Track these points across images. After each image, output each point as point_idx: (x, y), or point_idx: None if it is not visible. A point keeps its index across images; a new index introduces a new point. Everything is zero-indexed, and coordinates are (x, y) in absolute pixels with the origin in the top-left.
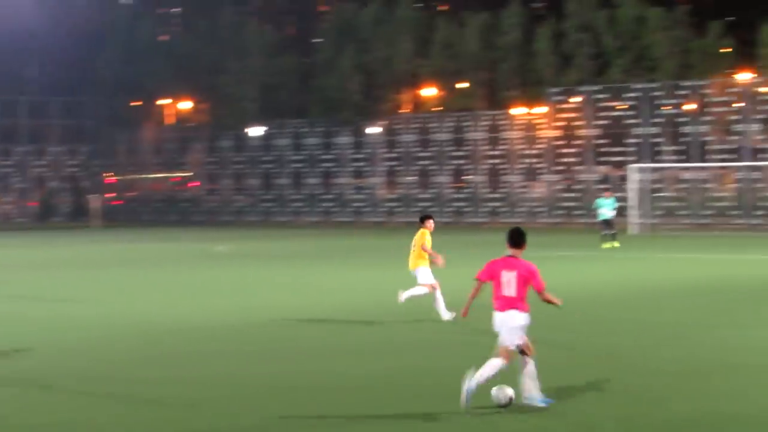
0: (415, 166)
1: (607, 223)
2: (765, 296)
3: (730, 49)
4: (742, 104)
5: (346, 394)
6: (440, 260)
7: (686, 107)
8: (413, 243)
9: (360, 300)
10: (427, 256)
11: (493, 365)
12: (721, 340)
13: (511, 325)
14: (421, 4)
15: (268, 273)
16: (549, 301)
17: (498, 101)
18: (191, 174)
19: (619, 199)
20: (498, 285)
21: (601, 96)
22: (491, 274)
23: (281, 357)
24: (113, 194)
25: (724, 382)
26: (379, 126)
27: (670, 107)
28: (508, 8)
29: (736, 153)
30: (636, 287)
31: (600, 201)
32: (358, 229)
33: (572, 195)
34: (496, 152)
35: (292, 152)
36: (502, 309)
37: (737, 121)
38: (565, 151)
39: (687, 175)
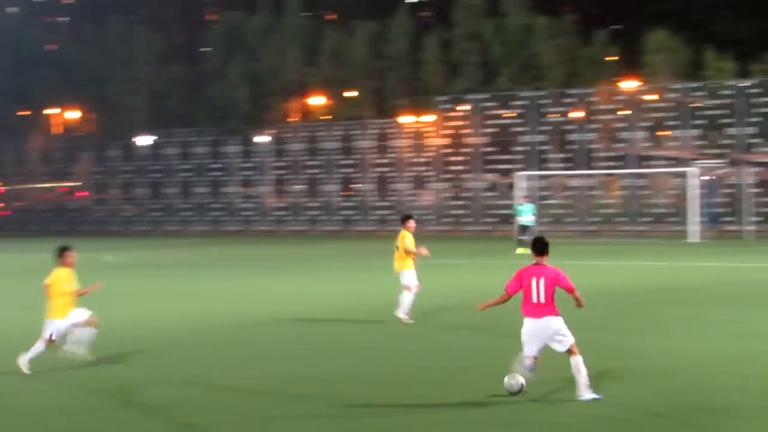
0: (303, 174)
1: (525, 229)
2: (651, 302)
3: (616, 58)
4: (628, 112)
5: (243, 399)
6: (424, 251)
7: (573, 115)
8: (396, 245)
9: (250, 309)
10: (410, 258)
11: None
12: (612, 345)
13: (551, 332)
14: (310, 13)
15: (156, 282)
16: (577, 300)
17: (386, 110)
18: (79, 184)
19: (507, 207)
20: (528, 292)
21: (488, 104)
22: (520, 284)
23: (166, 365)
24: (0, 204)
25: (613, 387)
26: (268, 135)
27: (557, 115)
28: (396, 17)
29: (622, 160)
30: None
31: (518, 207)
32: (247, 238)
33: (460, 203)
34: (385, 160)
35: (180, 161)
36: (536, 316)
37: (623, 129)
38: (453, 159)
39: (574, 183)
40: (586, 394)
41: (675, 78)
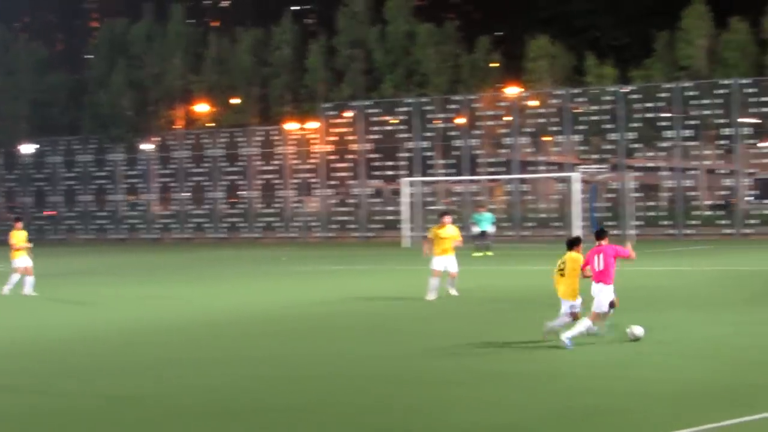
0: (188, 182)
1: (483, 235)
2: (535, 306)
3: (498, 64)
4: (511, 118)
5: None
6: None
7: (457, 121)
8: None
9: (129, 316)
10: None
11: (584, 323)
12: (497, 349)
13: (602, 294)
14: (193, 20)
15: (40, 291)
16: (630, 255)
17: (271, 116)
18: None
19: (392, 213)
20: (592, 265)
21: (372, 111)
22: (587, 261)
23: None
24: None
25: (501, 391)
26: (153, 142)
27: (441, 121)
28: (280, 24)
29: (506, 166)
30: (410, 299)
31: (476, 216)
32: (132, 246)
33: (346, 209)
34: (270, 167)
35: (64, 169)
36: (596, 280)
37: (506, 135)
38: (338, 165)
39: (458, 188)
40: (566, 339)
41: (557, 84)
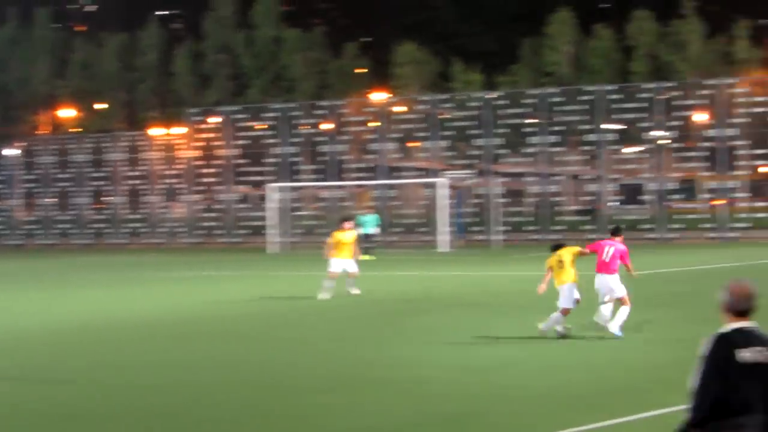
0: (54, 187)
1: (368, 237)
2: (401, 311)
3: (365, 70)
4: (378, 124)
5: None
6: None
7: (324, 127)
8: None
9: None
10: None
11: (627, 310)
12: (358, 355)
13: (613, 282)
14: (59, 24)
15: None
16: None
17: (137, 122)
18: None
19: (259, 219)
20: (601, 253)
21: (239, 116)
22: (598, 247)
23: None
24: None
25: (362, 397)
26: (17, 148)
27: (308, 127)
28: (146, 29)
29: (373, 171)
30: (275, 305)
31: (361, 218)
32: None
33: (212, 215)
34: (136, 173)
35: None
36: (598, 270)
37: (373, 140)
38: (204, 171)
39: (325, 194)
40: (616, 330)
41: (424, 90)
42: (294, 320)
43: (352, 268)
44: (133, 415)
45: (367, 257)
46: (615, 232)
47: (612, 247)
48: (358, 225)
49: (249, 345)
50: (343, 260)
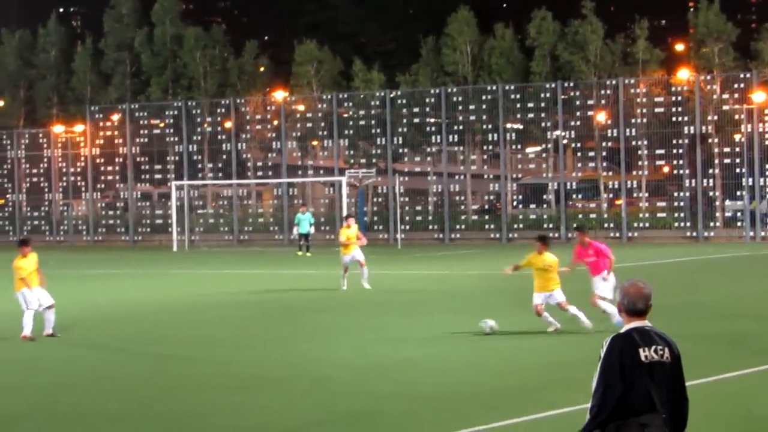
0: None
1: (304, 236)
2: (301, 309)
3: (266, 68)
4: (279, 122)
5: None
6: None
7: (225, 125)
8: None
9: None
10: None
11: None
12: (260, 354)
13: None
14: None
15: None
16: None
17: (37, 119)
18: None
19: (161, 216)
20: (585, 258)
21: (140, 114)
22: (580, 255)
23: None
24: None
25: (263, 395)
26: None
27: (209, 125)
28: (46, 26)
29: (274, 170)
30: (177, 303)
31: (299, 216)
32: None
33: (114, 213)
34: (37, 170)
35: None
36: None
37: (275, 139)
38: (106, 168)
39: (227, 192)
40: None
41: (324, 89)
42: (197, 319)
43: (360, 256)
44: None
45: (302, 254)
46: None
47: (591, 249)
48: (295, 224)
49: (151, 344)
50: (352, 253)
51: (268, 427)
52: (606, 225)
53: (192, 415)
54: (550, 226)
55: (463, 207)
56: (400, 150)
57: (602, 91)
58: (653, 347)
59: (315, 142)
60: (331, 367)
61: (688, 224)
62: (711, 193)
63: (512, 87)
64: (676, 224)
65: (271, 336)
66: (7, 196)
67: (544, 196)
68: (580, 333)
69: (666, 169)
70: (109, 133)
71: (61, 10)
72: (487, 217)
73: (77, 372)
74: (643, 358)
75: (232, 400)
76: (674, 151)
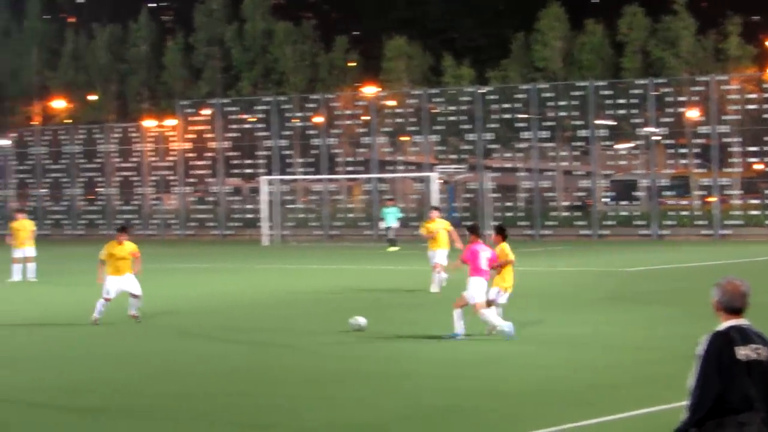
0: (46, 178)
1: (390, 230)
2: (393, 304)
3: (356, 64)
4: (369, 117)
5: None
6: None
7: (315, 120)
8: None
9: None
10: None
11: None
12: (348, 349)
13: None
14: (49, 16)
15: None
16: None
17: (129, 113)
18: None
19: (251, 211)
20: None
21: (230, 108)
22: (474, 254)
23: None
24: None
25: (351, 389)
26: (9, 138)
27: (299, 120)
28: (137, 21)
29: (364, 165)
30: (267, 297)
31: (384, 210)
32: None
33: (204, 207)
34: (128, 165)
35: None
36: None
37: (364, 134)
38: (196, 163)
39: (317, 187)
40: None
41: (414, 84)
42: (286, 313)
43: (442, 259)
44: None
45: (391, 249)
46: (477, 233)
47: (486, 250)
48: (381, 219)
49: (241, 337)
50: (440, 251)
51: (357, 420)
52: (698, 222)
53: (282, 407)
54: (642, 223)
55: (553, 203)
56: (491, 146)
57: (694, 88)
58: (752, 346)
59: (405, 138)
60: (419, 362)
61: None
62: None
63: (603, 83)
64: None
65: (358, 331)
66: (99, 189)
67: (635, 193)
68: (669, 330)
69: (759, 167)
70: (199, 127)
71: (152, 4)
72: (577, 213)
73: (167, 363)
74: (741, 357)
75: (321, 394)
76: (767, 148)
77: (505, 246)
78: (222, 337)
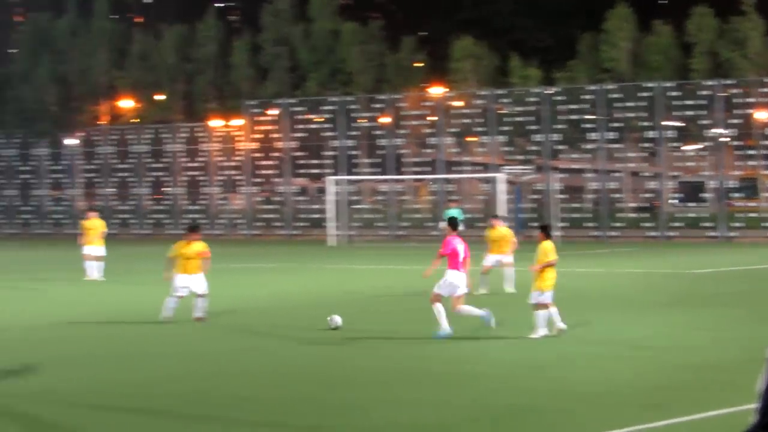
0: (113, 177)
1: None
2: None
3: (423, 64)
4: (436, 118)
5: None
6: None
7: (381, 120)
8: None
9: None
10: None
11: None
12: (415, 349)
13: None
14: (117, 16)
15: None
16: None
17: (196, 113)
18: None
19: (317, 211)
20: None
21: (297, 109)
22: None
23: None
24: None
25: (419, 390)
26: (77, 137)
27: (366, 120)
28: (204, 21)
29: (431, 166)
30: (333, 297)
31: (447, 211)
32: (57, 241)
33: (271, 207)
34: (195, 164)
35: None
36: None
37: (431, 135)
38: (263, 163)
39: (383, 188)
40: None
41: (481, 85)
42: (349, 313)
43: (508, 261)
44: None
45: None
46: (455, 227)
47: (463, 244)
48: (443, 219)
49: (309, 336)
50: (497, 256)
51: (425, 421)
52: (765, 224)
53: (348, 407)
54: (709, 224)
55: (620, 205)
56: (557, 147)
57: (762, 89)
58: None
59: (472, 138)
60: (486, 363)
61: None
62: None
63: (671, 84)
64: None
65: (425, 331)
66: (166, 189)
67: (703, 195)
68: (738, 333)
69: None
70: (266, 127)
71: (219, 4)
72: (644, 215)
73: (236, 361)
74: None
75: (387, 394)
76: None
77: (546, 245)
78: (288, 337)
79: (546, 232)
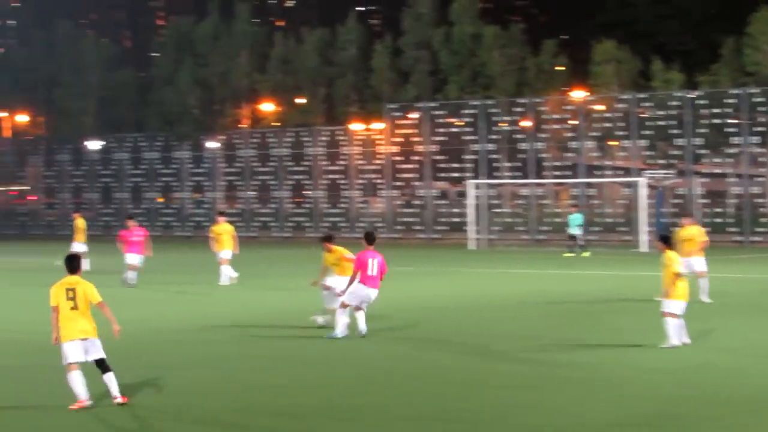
0: (254, 180)
1: (573, 237)
2: (601, 311)
3: (564, 68)
4: (577, 122)
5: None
6: None
7: (522, 124)
8: None
9: (195, 314)
10: None
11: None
12: (551, 354)
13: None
14: (259, 20)
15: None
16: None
17: (336, 117)
18: (29, 187)
19: (458, 215)
20: (367, 268)
21: (438, 112)
22: (363, 263)
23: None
24: None
25: (560, 396)
26: (218, 140)
27: (507, 124)
28: (346, 24)
29: (572, 170)
30: (474, 301)
31: (570, 217)
32: (197, 243)
33: (411, 210)
34: (335, 168)
35: (131, 166)
36: (373, 284)
37: (572, 139)
38: (403, 166)
39: (524, 191)
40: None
41: (623, 88)
42: (488, 318)
43: (700, 266)
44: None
45: (578, 254)
46: (371, 241)
47: (375, 259)
48: (568, 224)
49: (448, 340)
50: (689, 259)
51: (565, 426)
52: None
53: (491, 413)
54: None
55: (763, 209)
56: (700, 151)
57: None
58: None
59: (613, 143)
60: (626, 368)
61: None
62: None
63: None
64: None
65: (570, 337)
66: (306, 192)
67: None
68: None
69: None
70: (406, 130)
71: (361, 8)
72: None
73: (377, 366)
74: None
75: (524, 399)
76: None
77: (671, 255)
78: (425, 340)
79: (667, 242)
